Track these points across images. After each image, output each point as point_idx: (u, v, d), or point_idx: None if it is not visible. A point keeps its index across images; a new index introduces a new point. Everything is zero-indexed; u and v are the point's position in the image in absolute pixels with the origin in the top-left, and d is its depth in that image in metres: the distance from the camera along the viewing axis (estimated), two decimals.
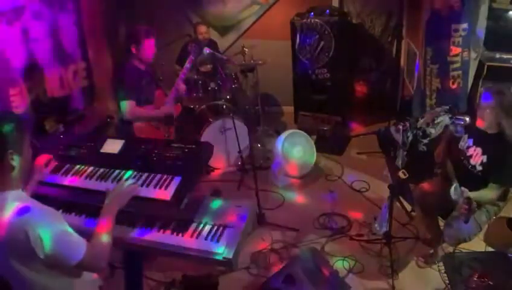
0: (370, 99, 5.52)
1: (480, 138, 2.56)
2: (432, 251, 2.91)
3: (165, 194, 1.95)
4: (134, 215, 2.03)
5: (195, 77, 4.50)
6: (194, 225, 1.99)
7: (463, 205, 2.31)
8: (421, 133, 3.42)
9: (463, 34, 3.32)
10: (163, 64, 4.55)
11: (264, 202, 3.52)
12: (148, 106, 3.20)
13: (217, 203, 2.13)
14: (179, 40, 4.88)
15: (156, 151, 2.14)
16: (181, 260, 2.11)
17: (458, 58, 3.39)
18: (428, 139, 3.44)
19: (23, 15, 3.77)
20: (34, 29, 3.90)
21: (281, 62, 5.08)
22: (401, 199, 3.35)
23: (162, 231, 1.97)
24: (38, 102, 3.91)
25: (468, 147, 2.63)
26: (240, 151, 4.07)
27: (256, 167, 3.54)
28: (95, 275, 1.78)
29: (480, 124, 2.51)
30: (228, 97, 4.45)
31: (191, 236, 1.93)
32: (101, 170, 2.15)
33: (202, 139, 3.94)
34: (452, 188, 2.45)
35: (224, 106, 4.31)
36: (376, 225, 3.16)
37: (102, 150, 2.23)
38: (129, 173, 2.11)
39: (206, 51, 4.26)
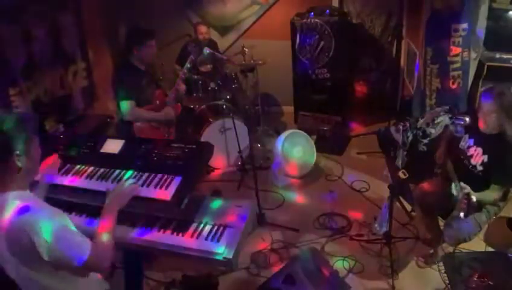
0: (370, 99, 5.52)
1: (480, 138, 2.56)
2: (431, 251, 2.91)
3: (166, 194, 1.95)
4: (135, 215, 2.03)
5: (195, 77, 4.50)
6: (194, 225, 1.99)
7: (462, 199, 2.32)
8: (421, 133, 3.43)
9: (463, 34, 3.32)
10: (163, 64, 4.56)
11: (264, 202, 3.52)
12: (148, 106, 3.20)
13: (217, 203, 2.13)
14: (178, 40, 4.89)
15: (156, 151, 2.14)
16: (181, 260, 2.10)
17: (458, 58, 3.39)
18: (428, 139, 3.44)
19: (23, 15, 3.77)
20: (34, 29, 3.90)
21: (281, 62, 5.08)
22: (401, 199, 3.35)
23: (162, 231, 1.98)
24: (38, 102, 3.91)
25: (469, 147, 2.63)
26: (240, 151, 4.07)
27: (256, 167, 3.54)
28: (99, 276, 1.78)
29: (483, 127, 2.50)
30: (228, 97, 4.45)
31: (191, 236, 1.93)
32: (101, 170, 2.16)
33: (202, 139, 3.94)
34: (453, 185, 2.46)
35: (224, 106, 4.31)
36: (376, 225, 3.17)
37: (102, 150, 2.23)
38: (129, 173, 2.11)
39: (206, 51, 4.28)
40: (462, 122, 2.54)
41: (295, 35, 4.76)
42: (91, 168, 2.17)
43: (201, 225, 1.99)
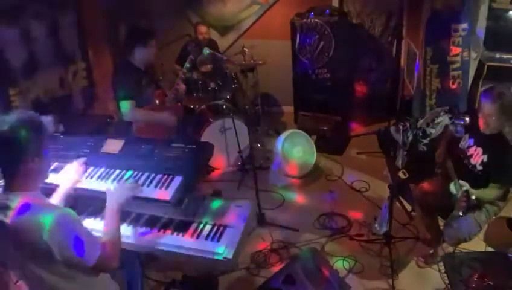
0: (370, 99, 5.51)
1: (480, 137, 2.56)
2: (432, 251, 2.91)
3: (166, 194, 1.95)
4: (135, 215, 2.03)
5: (195, 77, 4.50)
6: (194, 225, 1.99)
7: (462, 197, 2.32)
8: (421, 133, 3.42)
9: (463, 34, 3.32)
10: (163, 64, 4.56)
11: (264, 202, 3.52)
12: (148, 106, 3.20)
13: (217, 203, 2.13)
14: (178, 40, 4.88)
15: (156, 151, 2.14)
16: (181, 260, 2.10)
17: (458, 58, 3.39)
18: (428, 139, 3.44)
19: (24, 15, 3.77)
20: (34, 29, 3.90)
21: (281, 62, 5.08)
22: (401, 199, 3.35)
23: (162, 231, 1.98)
24: (38, 102, 3.91)
25: (469, 147, 2.63)
26: (240, 151, 4.07)
27: (256, 167, 3.54)
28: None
29: (483, 127, 2.50)
30: (228, 97, 4.45)
31: (191, 236, 1.94)
32: (102, 170, 2.16)
33: (202, 139, 3.94)
34: (452, 184, 2.47)
35: (224, 106, 4.31)
36: (376, 225, 3.17)
37: (102, 150, 2.23)
38: (129, 173, 2.11)
39: (206, 51, 4.27)
40: (462, 122, 2.54)
41: (295, 35, 4.76)
42: (91, 168, 2.17)
43: (201, 225, 1.99)
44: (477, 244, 2.70)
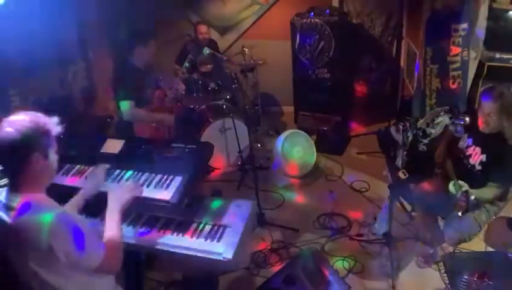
0: (370, 99, 5.52)
1: (479, 137, 2.56)
2: (432, 251, 2.91)
3: (166, 194, 1.95)
4: (135, 215, 2.03)
5: (195, 77, 4.50)
6: (194, 225, 1.99)
7: (461, 197, 2.33)
8: (421, 133, 3.42)
9: (463, 34, 3.32)
10: (163, 64, 4.55)
11: (264, 202, 3.52)
12: (148, 106, 3.20)
13: (217, 203, 2.13)
14: (178, 40, 4.88)
15: (156, 151, 2.14)
16: (181, 260, 2.10)
17: (458, 58, 3.39)
18: (428, 139, 3.43)
19: (24, 15, 3.77)
20: (33, 29, 3.90)
21: (281, 62, 5.08)
22: (401, 199, 3.35)
23: (162, 231, 1.98)
24: (38, 102, 3.91)
25: (467, 147, 2.63)
26: (240, 151, 4.07)
27: (256, 167, 3.54)
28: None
29: (482, 127, 2.50)
30: (228, 97, 4.45)
31: (191, 236, 1.94)
32: None
33: (202, 139, 3.94)
34: (451, 184, 2.47)
35: (224, 106, 4.31)
36: (376, 225, 3.17)
37: (102, 150, 2.24)
38: (129, 173, 2.11)
39: (206, 51, 4.27)
40: (462, 122, 2.54)
41: (295, 35, 4.76)
42: (91, 168, 2.17)
43: (201, 225, 1.99)
44: (477, 244, 2.69)
